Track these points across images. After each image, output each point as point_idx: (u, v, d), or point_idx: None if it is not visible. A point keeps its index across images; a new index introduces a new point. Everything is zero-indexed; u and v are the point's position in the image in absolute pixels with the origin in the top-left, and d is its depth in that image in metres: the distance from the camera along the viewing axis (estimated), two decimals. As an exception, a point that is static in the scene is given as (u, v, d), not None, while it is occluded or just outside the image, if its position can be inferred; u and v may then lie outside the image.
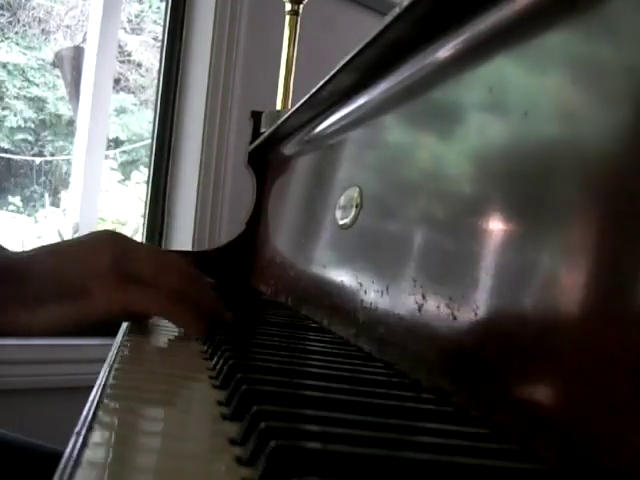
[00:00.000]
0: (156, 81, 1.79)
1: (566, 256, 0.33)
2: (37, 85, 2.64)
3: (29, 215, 2.37)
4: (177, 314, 0.53)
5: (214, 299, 0.57)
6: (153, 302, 0.52)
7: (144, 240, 1.70)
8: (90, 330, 0.58)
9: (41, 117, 2.63)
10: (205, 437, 0.29)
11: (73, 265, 0.51)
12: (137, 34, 2.80)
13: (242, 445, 0.28)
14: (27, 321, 0.49)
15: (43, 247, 0.55)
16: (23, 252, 0.54)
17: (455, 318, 0.42)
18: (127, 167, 2.59)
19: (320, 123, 0.86)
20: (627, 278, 0.28)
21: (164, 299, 0.52)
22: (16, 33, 2.55)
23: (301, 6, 1.24)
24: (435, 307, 0.45)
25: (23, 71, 2.58)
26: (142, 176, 2.35)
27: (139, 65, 2.78)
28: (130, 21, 2.74)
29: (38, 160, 2.56)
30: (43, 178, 2.55)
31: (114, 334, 0.57)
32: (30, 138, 2.59)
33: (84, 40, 2.23)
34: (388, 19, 0.55)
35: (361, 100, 0.71)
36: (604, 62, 0.34)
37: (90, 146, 1.70)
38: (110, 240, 0.53)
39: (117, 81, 2.59)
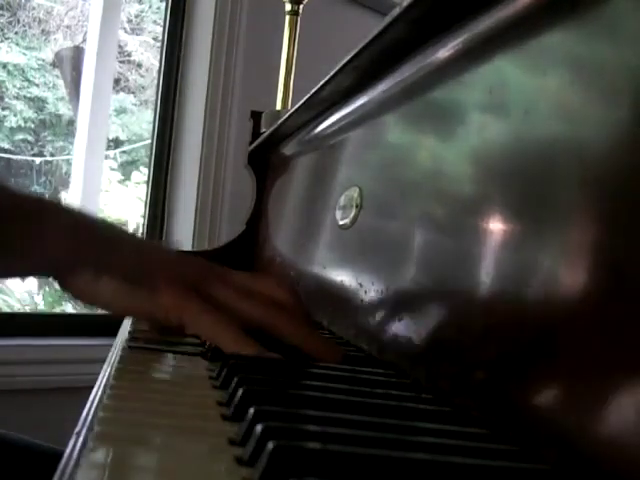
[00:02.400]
0: (156, 81, 1.79)
1: (566, 256, 0.33)
2: (37, 85, 2.64)
3: (29, 215, 2.37)
4: (223, 338, 0.46)
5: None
6: (218, 334, 0.46)
7: (144, 240, 1.70)
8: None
9: (41, 117, 2.63)
10: (205, 437, 0.29)
11: (154, 258, 0.49)
12: (137, 34, 2.80)
13: (242, 445, 0.28)
14: (89, 287, 0.48)
15: (130, 233, 0.53)
16: (110, 225, 0.52)
17: (455, 318, 0.42)
18: (127, 167, 2.59)
19: (320, 123, 0.86)
20: (627, 278, 0.28)
21: (231, 336, 0.45)
22: (16, 33, 2.55)
23: (301, 6, 1.24)
24: (435, 307, 0.45)
25: (23, 71, 2.58)
26: (142, 176, 2.35)
27: (139, 65, 2.78)
28: (130, 21, 2.74)
29: (38, 160, 2.56)
30: (43, 178, 2.55)
31: (114, 334, 0.57)
32: (30, 138, 2.59)
33: (84, 40, 2.23)
34: (388, 19, 0.55)
35: (361, 100, 0.71)
36: (604, 62, 0.34)
37: (90, 146, 1.70)
38: (201, 260, 0.51)
39: (117, 81, 2.59)
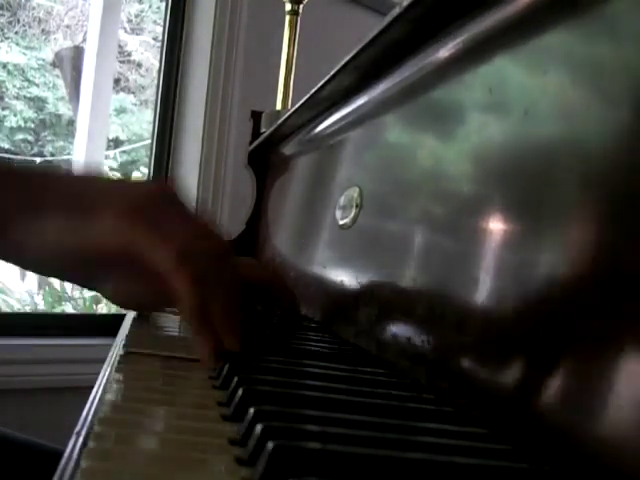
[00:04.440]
0: (156, 81, 1.79)
1: (566, 255, 0.33)
2: (37, 85, 2.64)
3: (29, 215, 2.37)
4: (176, 277, 0.42)
5: (235, 308, 0.45)
6: (159, 249, 0.41)
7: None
8: (90, 275, 0.47)
9: (41, 117, 2.63)
10: (205, 437, 0.29)
11: (93, 186, 0.44)
12: (137, 34, 2.80)
13: (242, 445, 0.28)
14: (21, 237, 0.42)
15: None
16: (55, 167, 0.49)
17: (455, 318, 0.42)
18: (127, 167, 2.59)
19: (320, 123, 0.86)
20: (627, 278, 0.28)
21: (176, 257, 0.41)
22: (16, 33, 2.55)
23: (301, 6, 1.24)
24: (435, 307, 0.45)
25: (23, 71, 2.58)
26: (142, 176, 2.35)
27: (139, 65, 2.78)
28: (130, 21, 2.74)
29: (38, 160, 2.56)
30: (43, 178, 2.54)
31: (114, 334, 0.58)
32: (30, 138, 2.59)
33: (84, 40, 2.23)
34: (388, 19, 0.56)
35: (361, 100, 0.71)
36: (604, 62, 0.34)
37: (90, 146, 1.70)
38: (158, 186, 0.45)
39: (117, 81, 2.59)
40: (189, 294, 0.42)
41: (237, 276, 0.47)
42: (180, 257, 0.41)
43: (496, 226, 0.40)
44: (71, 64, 2.40)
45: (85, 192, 0.44)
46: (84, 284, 0.52)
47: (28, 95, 2.60)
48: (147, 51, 2.75)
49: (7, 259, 0.45)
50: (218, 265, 0.44)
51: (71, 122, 2.42)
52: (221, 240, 0.47)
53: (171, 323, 0.62)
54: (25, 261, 0.46)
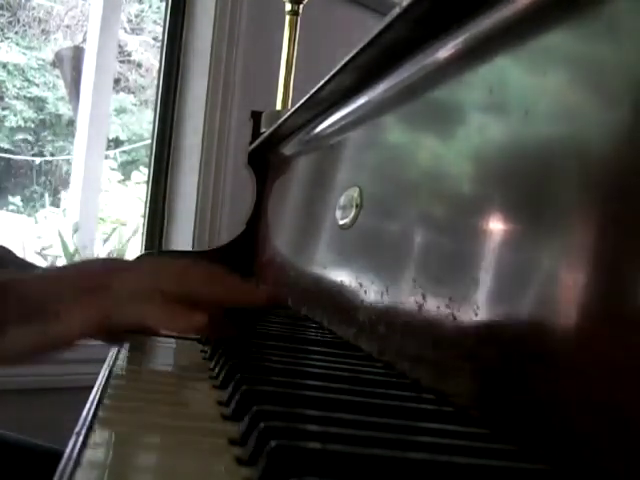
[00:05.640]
0: (156, 81, 1.79)
1: (566, 256, 0.33)
2: (37, 85, 2.64)
3: (29, 215, 2.37)
4: (160, 319, 0.47)
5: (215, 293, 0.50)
6: (127, 310, 0.46)
7: (143, 241, 1.70)
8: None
9: (41, 117, 2.63)
10: (205, 437, 0.29)
11: (51, 285, 0.48)
12: (137, 34, 2.80)
13: (242, 445, 0.28)
14: None
15: (37, 272, 0.52)
16: (7, 276, 0.51)
17: (455, 318, 0.42)
18: (127, 167, 2.59)
19: (320, 123, 0.86)
20: (627, 278, 0.28)
21: (140, 306, 0.46)
22: (16, 33, 2.55)
23: (301, 6, 1.24)
24: (435, 307, 0.45)
25: (23, 71, 2.59)
26: (142, 176, 2.35)
27: (139, 65, 2.78)
28: (130, 21, 2.74)
29: (38, 160, 2.57)
30: (43, 178, 2.55)
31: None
32: (30, 138, 2.59)
33: (84, 40, 2.23)
34: (388, 19, 0.55)
35: (361, 100, 0.71)
36: (604, 62, 0.34)
37: (90, 146, 1.70)
38: (101, 260, 0.50)
39: (117, 81, 2.59)
40: (177, 324, 0.46)
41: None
42: (147, 303, 0.46)
43: (496, 226, 0.40)
44: (71, 64, 2.40)
45: (41, 299, 0.47)
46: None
47: (28, 95, 2.60)
48: (147, 51, 2.75)
49: None
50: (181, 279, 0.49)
51: (71, 122, 2.42)
52: (169, 267, 0.52)
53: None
54: (5, 364, 0.50)
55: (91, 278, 0.48)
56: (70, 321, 0.46)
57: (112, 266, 0.51)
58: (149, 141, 1.79)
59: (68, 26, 2.60)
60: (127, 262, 0.53)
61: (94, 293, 0.47)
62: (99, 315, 0.46)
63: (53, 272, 0.52)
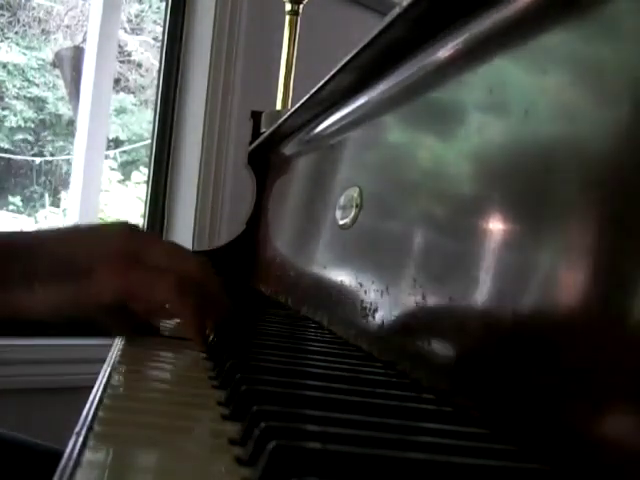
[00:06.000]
0: (156, 81, 1.79)
1: (566, 256, 0.33)
2: (37, 85, 2.64)
3: (29, 215, 2.37)
4: (180, 305, 0.49)
5: (224, 307, 0.54)
6: (158, 288, 0.48)
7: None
8: (95, 324, 0.54)
9: (41, 117, 2.63)
10: (205, 437, 0.29)
11: (79, 245, 0.49)
12: (137, 34, 2.80)
13: (242, 445, 0.28)
14: (27, 301, 0.47)
15: (52, 228, 0.53)
16: (30, 231, 0.52)
17: (455, 318, 0.42)
18: (127, 167, 2.59)
19: (320, 123, 0.86)
20: (627, 278, 0.28)
21: (170, 286, 0.48)
22: (16, 33, 2.55)
23: (301, 6, 1.24)
24: (435, 307, 0.45)
25: (23, 71, 2.59)
26: (142, 176, 2.35)
27: (139, 65, 2.78)
28: (130, 21, 2.74)
29: (38, 160, 2.56)
30: (43, 178, 2.55)
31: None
32: (30, 138, 2.59)
33: (84, 40, 2.23)
34: (388, 19, 0.55)
35: (361, 100, 0.71)
36: (604, 62, 0.34)
37: (90, 146, 1.70)
38: (125, 227, 0.51)
39: (117, 81, 2.59)
40: (193, 317, 0.49)
41: (217, 281, 0.54)
42: (177, 287, 0.48)
43: (496, 226, 0.40)
44: (71, 64, 2.40)
45: (74, 252, 0.49)
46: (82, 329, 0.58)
47: (28, 95, 2.60)
48: (147, 51, 2.75)
49: (16, 317, 0.49)
50: (202, 280, 0.51)
51: (71, 122, 2.42)
52: (193, 256, 0.55)
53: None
54: (33, 316, 0.50)
55: (121, 245, 0.49)
56: (102, 281, 0.47)
57: (141, 238, 0.51)
58: (149, 141, 1.79)
59: (68, 26, 2.59)
60: (151, 235, 0.53)
61: (126, 261, 0.48)
62: (130, 284, 0.47)
63: (81, 231, 0.53)
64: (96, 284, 0.47)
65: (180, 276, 0.49)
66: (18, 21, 2.55)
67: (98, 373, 0.41)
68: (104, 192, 2.15)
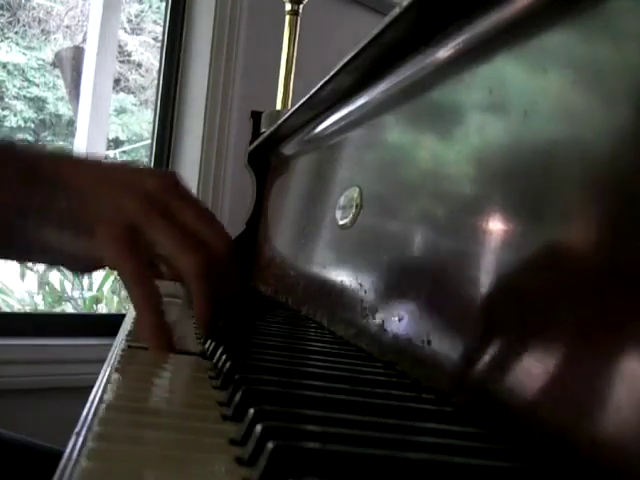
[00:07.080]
0: (156, 81, 1.79)
1: (566, 256, 0.33)
2: (37, 85, 2.64)
3: (29, 215, 2.37)
4: (199, 289, 0.45)
5: (235, 290, 0.50)
6: (187, 261, 0.44)
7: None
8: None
9: (41, 117, 2.63)
10: (205, 437, 0.29)
11: (82, 184, 0.45)
12: (137, 34, 2.80)
13: (242, 445, 0.28)
14: (36, 235, 0.45)
15: (81, 160, 0.48)
16: (57, 157, 0.47)
17: (455, 318, 0.42)
18: (127, 167, 2.59)
19: (320, 123, 0.86)
20: (627, 278, 0.28)
21: (192, 270, 0.44)
22: (16, 33, 2.55)
23: (301, 6, 1.24)
24: (435, 307, 0.45)
25: (23, 71, 2.59)
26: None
27: (139, 65, 2.78)
28: (130, 21, 2.74)
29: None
30: (43, 178, 2.54)
31: (114, 334, 0.58)
32: (30, 138, 2.59)
33: (84, 40, 2.23)
34: (388, 19, 0.56)
35: (361, 100, 0.71)
36: (604, 62, 0.34)
37: (90, 146, 1.70)
38: (160, 178, 0.47)
39: (117, 81, 2.59)
40: (208, 302, 0.46)
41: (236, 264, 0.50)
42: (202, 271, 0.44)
43: (496, 226, 0.40)
44: (71, 64, 2.40)
45: (86, 204, 0.45)
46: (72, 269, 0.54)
47: (28, 95, 2.60)
48: (147, 51, 2.75)
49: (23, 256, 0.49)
50: (227, 263, 0.47)
51: (71, 122, 2.42)
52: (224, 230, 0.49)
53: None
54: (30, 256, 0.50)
55: (137, 207, 0.44)
56: (103, 243, 0.43)
57: (169, 196, 0.47)
58: (149, 141, 1.79)
59: (68, 26, 2.60)
60: (184, 194, 0.49)
61: (131, 237, 0.44)
62: (120, 268, 0.43)
63: (90, 166, 0.49)
64: (97, 246, 0.44)
65: (206, 260, 0.44)
66: (18, 21, 2.55)
67: (98, 373, 0.41)
68: (104, 192, 2.14)
